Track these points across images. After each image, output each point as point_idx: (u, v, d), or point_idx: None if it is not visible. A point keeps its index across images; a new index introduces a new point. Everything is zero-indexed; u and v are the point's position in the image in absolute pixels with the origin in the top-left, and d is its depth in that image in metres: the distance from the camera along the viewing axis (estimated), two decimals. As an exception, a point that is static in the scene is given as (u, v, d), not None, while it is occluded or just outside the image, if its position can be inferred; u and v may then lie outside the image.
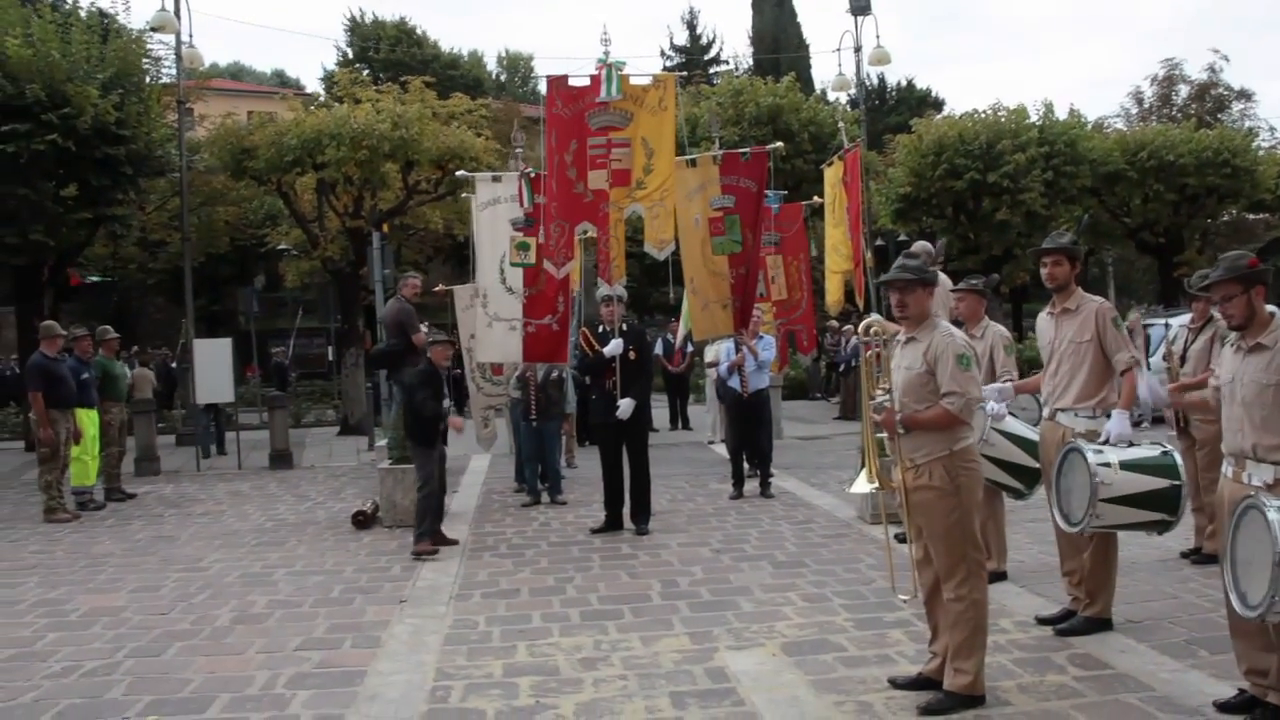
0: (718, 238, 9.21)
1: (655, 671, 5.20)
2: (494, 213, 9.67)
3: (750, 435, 10.47)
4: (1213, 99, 33.24)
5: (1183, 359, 7.11)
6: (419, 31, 42.63)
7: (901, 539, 6.02)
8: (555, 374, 10.48)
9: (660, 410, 16.14)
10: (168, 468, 14.25)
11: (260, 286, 26.45)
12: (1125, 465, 5.00)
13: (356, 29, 43.22)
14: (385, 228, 16.76)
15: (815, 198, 12.94)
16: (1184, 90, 33.68)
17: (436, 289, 12.14)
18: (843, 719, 4.49)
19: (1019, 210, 21.59)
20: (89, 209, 15.79)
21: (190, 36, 16.32)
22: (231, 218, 22.74)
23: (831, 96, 28.40)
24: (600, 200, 8.69)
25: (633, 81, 8.71)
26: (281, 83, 53.94)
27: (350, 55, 41.33)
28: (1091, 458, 4.99)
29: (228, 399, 15.06)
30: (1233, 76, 50.66)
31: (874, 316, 4.84)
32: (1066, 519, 5.22)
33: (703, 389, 17.42)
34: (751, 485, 10.44)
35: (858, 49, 18.10)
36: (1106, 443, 5.15)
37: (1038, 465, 5.94)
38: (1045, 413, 5.72)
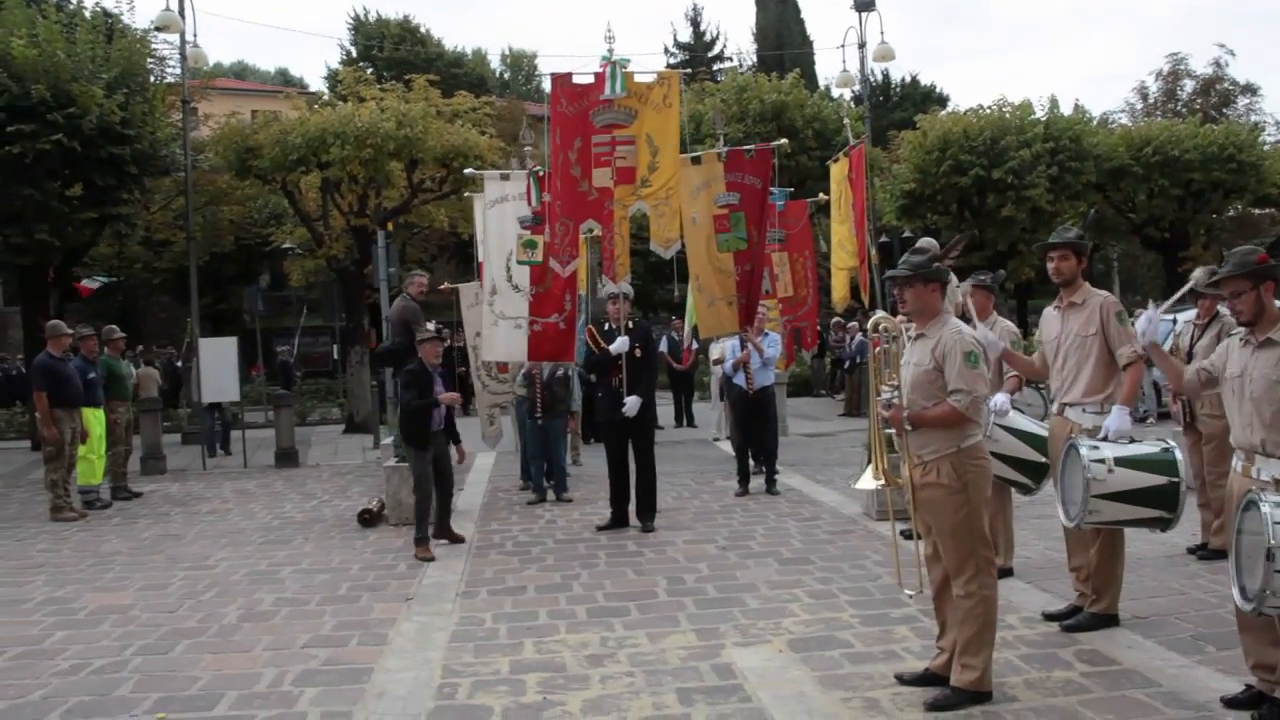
0: (723, 235, 9.21)
1: (662, 668, 5.20)
2: (501, 210, 9.67)
3: (756, 432, 10.47)
4: (1218, 94, 33.19)
5: (1189, 354, 7.10)
6: (423, 30, 42.72)
7: (908, 535, 6.03)
8: (561, 372, 10.48)
9: (665, 407, 16.14)
10: (173, 466, 14.27)
11: (265, 285, 26.50)
12: (1121, 461, 4.99)
13: (360, 28, 43.30)
14: (390, 226, 16.78)
15: (821, 195, 12.94)
16: (1189, 85, 33.64)
17: (442, 287, 12.15)
18: (849, 715, 4.49)
19: (1024, 206, 21.56)
20: (94, 209, 15.81)
21: (194, 36, 16.38)
22: (236, 217, 22.77)
23: (836, 93, 28.43)
24: (605, 198, 8.68)
25: (637, 79, 8.70)
26: (285, 82, 53.99)
27: (354, 54, 41.41)
28: (1086, 454, 4.99)
29: (233, 398, 15.09)
30: (1238, 71, 50.54)
31: (881, 313, 4.83)
32: (1065, 513, 5.24)
33: (708, 386, 17.41)
34: (757, 482, 10.44)
35: (862, 45, 18.11)
36: (1105, 438, 5.15)
37: (1043, 460, 5.94)
38: (1053, 408, 5.72)
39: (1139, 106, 33.96)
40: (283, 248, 23.38)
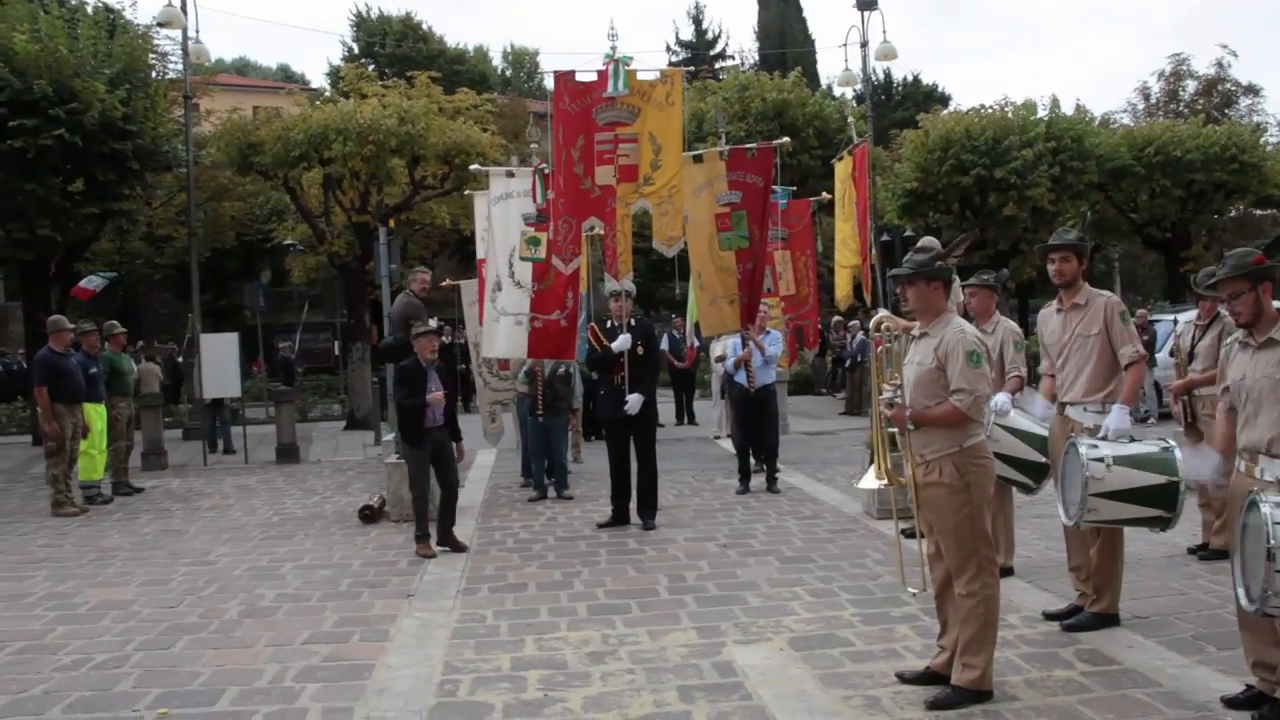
0: (725, 233, 9.22)
1: (663, 666, 5.21)
2: (506, 207, 9.67)
3: (757, 430, 10.48)
4: (1220, 94, 33.16)
5: (1190, 355, 7.11)
6: (425, 26, 42.71)
7: (909, 534, 6.03)
8: (562, 369, 10.49)
9: (666, 405, 16.16)
10: (174, 462, 14.29)
11: (266, 281, 26.47)
12: (1120, 460, 4.99)
13: (362, 24, 43.30)
14: (391, 223, 16.76)
15: (824, 194, 12.94)
16: (1191, 85, 33.62)
17: (443, 284, 12.16)
18: (850, 713, 4.50)
19: (1026, 206, 21.55)
20: (95, 204, 15.81)
21: (196, 32, 16.38)
22: (238, 213, 22.79)
23: (838, 92, 28.38)
24: (607, 196, 8.69)
25: (640, 77, 8.71)
26: (287, 78, 54.00)
27: (356, 50, 41.44)
28: (1084, 452, 4.99)
29: (234, 394, 15.08)
30: (1240, 72, 50.58)
31: (884, 312, 4.83)
32: (1065, 512, 5.24)
33: (709, 384, 17.42)
34: (758, 480, 10.45)
35: (864, 44, 18.09)
36: (1104, 437, 5.15)
37: (1044, 460, 5.94)
38: (1053, 408, 5.72)
39: (1141, 107, 33.95)
40: (284, 244, 23.36)
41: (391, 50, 39.64)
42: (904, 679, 4.80)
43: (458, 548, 7.97)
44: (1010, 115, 22.72)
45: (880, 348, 4.84)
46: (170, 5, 15.35)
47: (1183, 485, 5.05)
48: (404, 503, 9.30)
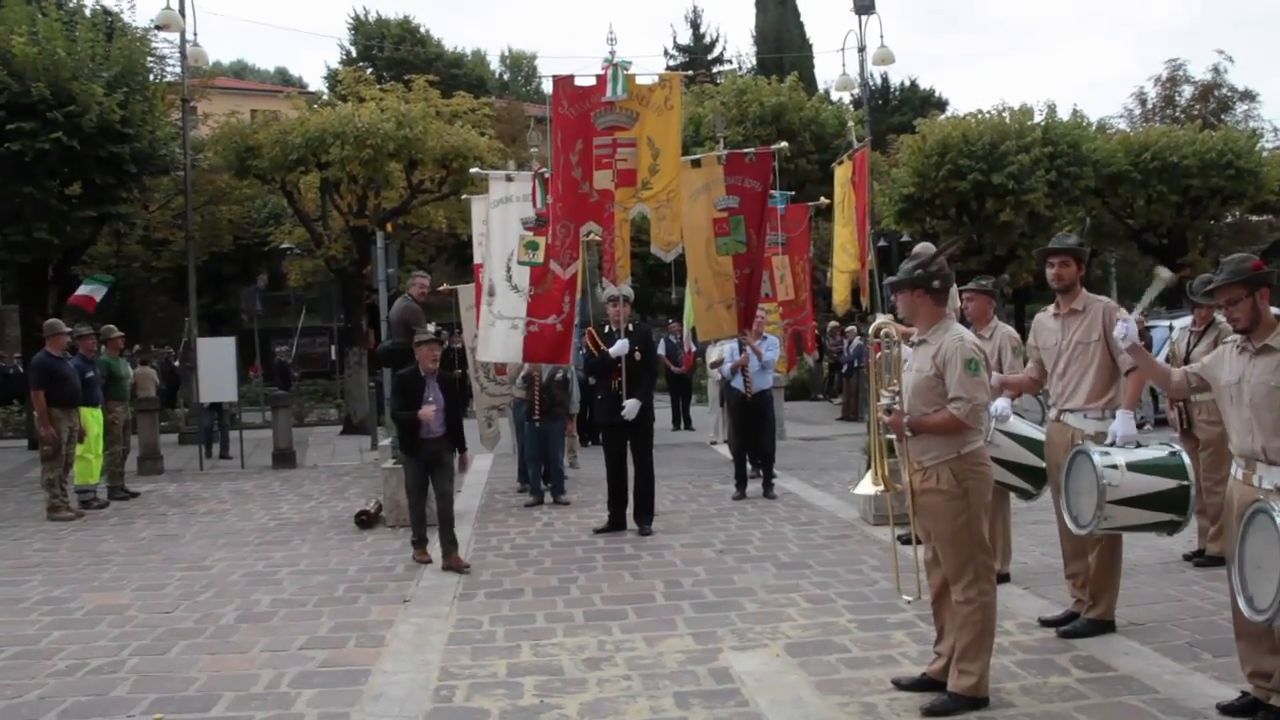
0: (722, 238, 9.21)
1: (659, 672, 5.21)
2: (505, 211, 9.66)
3: (753, 436, 10.47)
4: (1217, 100, 33.24)
5: (1186, 361, 7.10)
6: (423, 30, 42.73)
7: (906, 540, 6.03)
8: (560, 374, 10.48)
9: (663, 411, 16.15)
10: (171, 467, 14.26)
11: (263, 285, 26.49)
12: (1132, 466, 4.99)
13: (360, 28, 43.30)
14: (389, 227, 16.79)
15: (822, 198, 12.95)
16: (1188, 91, 33.69)
17: (441, 289, 12.15)
18: (847, 720, 4.50)
19: (1022, 211, 21.58)
20: (93, 207, 15.81)
21: (194, 35, 16.43)
22: (235, 216, 22.76)
23: (835, 96, 28.43)
24: (606, 200, 8.69)
25: (638, 81, 8.71)
26: (285, 81, 53.97)
27: (354, 54, 41.43)
28: (1098, 460, 4.98)
29: (231, 398, 15.06)
30: (1237, 77, 50.62)
31: (882, 318, 4.83)
32: (1075, 521, 5.21)
33: (705, 390, 17.42)
34: (754, 486, 10.44)
35: (861, 49, 18.11)
36: (1113, 444, 5.15)
37: (1044, 466, 5.93)
38: (1052, 414, 5.72)
39: (1137, 112, 34.02)
40: (281, 248, 23.38)
41: (389, 54, 39.65)
42: (900, 685, 4.80)
43: (460, 569, 7.54)
44: (1007, 120, 22.77)
45: (879, 354, 4.84)
46: (168, 8, 15.37)
47: (1193, 489, 5.06)
48: (400, 508, 9.28)
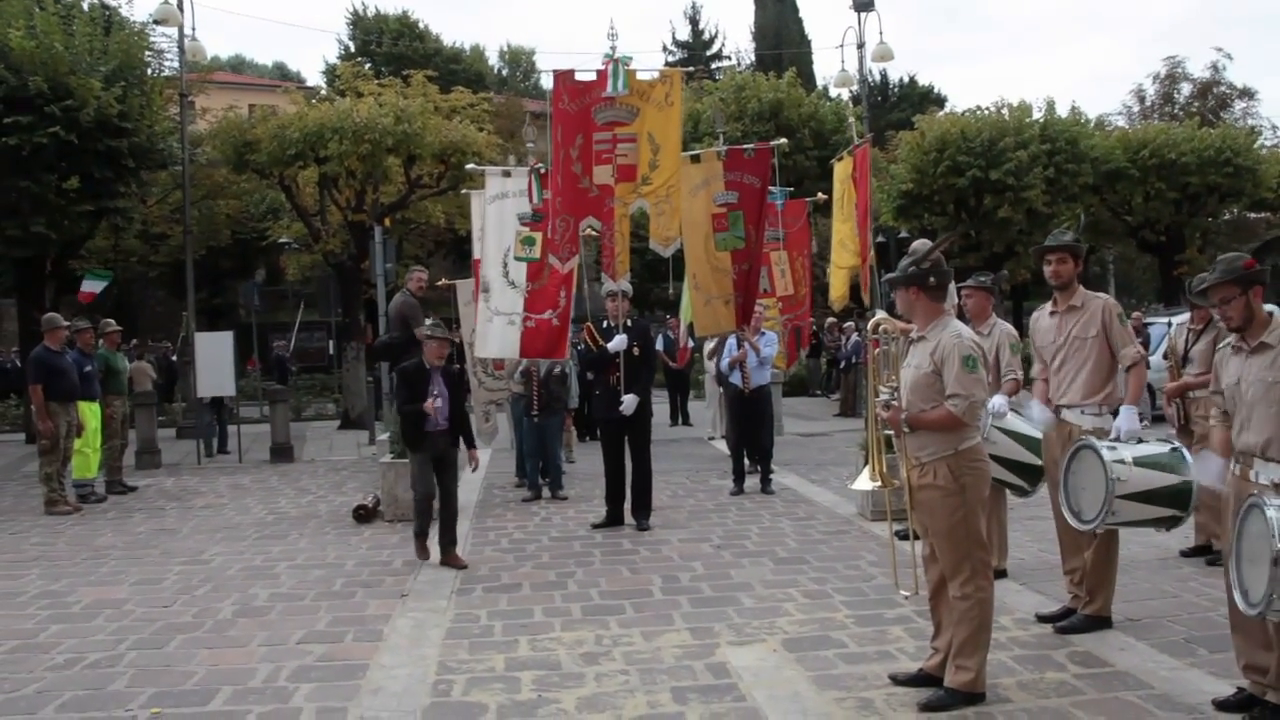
0: (721, 234, 9.22)
1: (657, 666, 5.21)
2: (501, 207, 9.66)
3: (751, 431, 10.48)
4: (1215, 97, 33.27)
5: (1184, 358, 7.12)
6: (421, 25, 42.66)
7: (903, 536, 6.04)
8: (558, 369, 10.48)
9: (661, 406, 16.16)
10: (168, 461, 14.27)
11: (261, 280, 26.38)
12: (1139, 461, 5.00)
13: (359, 23, 43.24)
14: (387, 222, 16.77)
15: (820, 194, 12.95)
16: (1186, 88, 33.74)
17: (439, 283, 12.15)
18: (844, 715, 4.50)
19: (1020, 208, 21.61)
20: (91, 202, 15.80)
21: (193, 29, 16.40)
22: (233, 211, 22.77)
23: (834, 93, 28.44)
24: (605, 196, 8.69)
25: (639, 77, 8.70)
26: (283, 76, 53.88)
27: (352, 49, 41.36)
28: (1106, 455, 4.99)
29: (229, 392, 15.06)
30: (1235, 75, 50.62)
31: (881, 314, 4.83)
32: (1077, 517, 5.21)
33: (703, 385, 17.42)
34: (752, 481, 10.45)
35: (860, 45, 18.09)
36: (1118, 439, 5.17)
37: (1040, 463, 5.94)
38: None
39: (1136, 109, 34.06)
40: (279, 242, 23.34)
41: (388, 49, 39.61)
42: (897, 681, 4.81)
43: (458, 566, 7.51)
44: (1006, 117, 22.79)
45: (877, 350, 4.85)
46: (166, 3, 15.35)
47: (1195, 485, 5.07)
48: (398, 502, 9.30)
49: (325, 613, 6.42)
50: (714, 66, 45.13)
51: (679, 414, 17.40)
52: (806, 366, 23.02)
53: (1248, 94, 33.69)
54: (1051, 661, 5.07)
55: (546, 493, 10.46)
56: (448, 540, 7.62)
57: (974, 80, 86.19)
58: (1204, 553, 6.95)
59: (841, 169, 11.02)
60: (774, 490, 10.30)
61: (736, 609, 6.22)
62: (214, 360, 14.31)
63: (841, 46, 20.26)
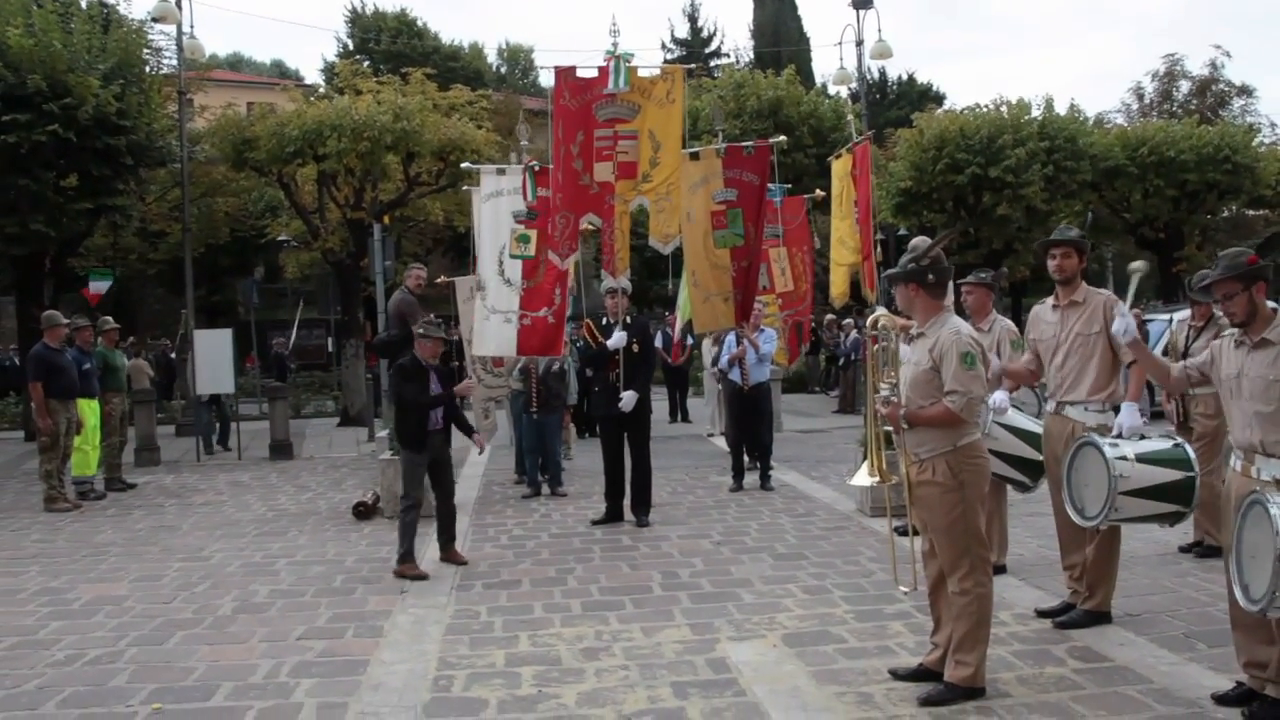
0: (720, 231, 9.22)
1: (657, 662, 5.22)
2: (496, 205, 9.66)
3: (751, 428, 10.49)
4: (1214, 95, 33.24)
5: (1184, 355, 7.11)
6: (420, 23, 42.54)
7: (902, 532, 6.05)
8: (557, 366, 10.49)
9: (660, 403, 16.16)
10: (167, 458, 14.27)
11: (260, 277, 26.37)
12: (1141, 458, 5.01)
13: (357, 20, 43.15)
14: (386, 219, 16.76)
15: (818, 190, 12.94)
16: (1185, 86, 33.69)
17: (438, 281, 12.14)
18: (843, 709, 4.51)
19: (1019, 205, 21.59)
20: (89, 199, 15.77)
21: (191, 27, 16.39)
22: (232, 209, 22.73)
23: (833, 90, 28.37)
24: (606, 192, 8.70)
25: (640, 74, 8.70)
26: (281, 74, 53.77)
27: (351, 47, 41.26)
28: (1109, 452, 4.99)
29: (228, 389, 15.06)
30: (1234, 72, 50.61)
31: (880, 310, 4.83)
32: (1081, 514, 5.21)
33: (702, 382, 17.43)
34: (751, 478, 10.46)
35: (859, 42, 18.08)
36: (1119, 436, 5.17)
37: (1042, 458, 5.94)
38: (1050, 406, 5.71)
39: (1135, 107, 34.02)
40: (278, 240, 23.32)
41: (386, 46, 39.52)
42: (897, 675, 4.82)
43: (458, 562, 7.43)
44: (1004, 114, 22.75)
45: (875, 346, 4.85)
46: (165, 0, 15.31)
47: (1198, 481, 5.08)
48: (398, 499, 9.25)
49: (325, 609, 6.43)
50: (713, 64, 45.06)
51: (678, 411, 17.41)
52: (806, 363, 23.02)
53: (1246, 91, 33.67)
54: (1051, 656, 5.07)
55: (546, 489, 10.47)
56: (447, 537, 7.58)
57: (973, 78, 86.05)
58: (1201, 549, 6.97)
59: (840, 166, 11.01)
60: (773, 486, 10.31)
61: (736, 604, 6.23)
62: (213, 357, 14.31)
63: (840, 44, 20.39)
